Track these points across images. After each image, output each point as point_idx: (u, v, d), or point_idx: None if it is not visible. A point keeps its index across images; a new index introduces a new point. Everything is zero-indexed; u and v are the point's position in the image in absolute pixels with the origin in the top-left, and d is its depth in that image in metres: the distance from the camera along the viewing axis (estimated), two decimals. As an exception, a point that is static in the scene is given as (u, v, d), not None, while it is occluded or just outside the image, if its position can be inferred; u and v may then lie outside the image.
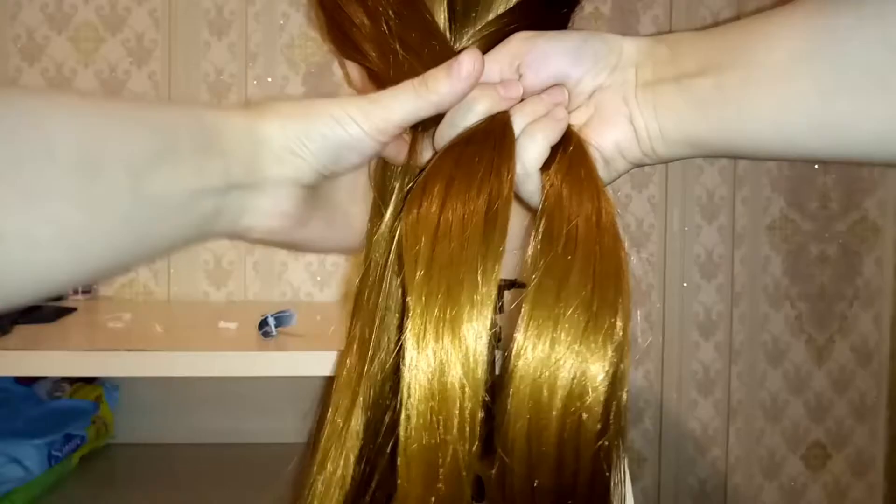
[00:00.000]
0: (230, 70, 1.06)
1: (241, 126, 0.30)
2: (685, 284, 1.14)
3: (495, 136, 0.31)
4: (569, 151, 0.31)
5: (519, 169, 0.31)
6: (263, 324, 0.72)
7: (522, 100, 0.32)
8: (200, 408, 0.88)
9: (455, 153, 0.31)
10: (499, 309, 0.44)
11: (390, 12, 0.33)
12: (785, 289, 1.15)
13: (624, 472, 0.28)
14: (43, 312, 0.82)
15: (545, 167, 0.31)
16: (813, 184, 1.14)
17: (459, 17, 0.34)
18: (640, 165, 0.34)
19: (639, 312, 1.14)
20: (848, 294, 1.16)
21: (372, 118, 0.31)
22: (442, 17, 0.34)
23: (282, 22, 1.07)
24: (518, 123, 0.31)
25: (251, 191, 0.30)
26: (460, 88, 0.30)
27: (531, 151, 0.31)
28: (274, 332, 0.71)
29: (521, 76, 0.33)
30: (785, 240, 1.15)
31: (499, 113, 0.32)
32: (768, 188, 1.14)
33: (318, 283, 1.07)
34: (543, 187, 0.30)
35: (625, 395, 0.27)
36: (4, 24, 1.03)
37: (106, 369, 0.66)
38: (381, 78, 0.34)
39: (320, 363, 0.61)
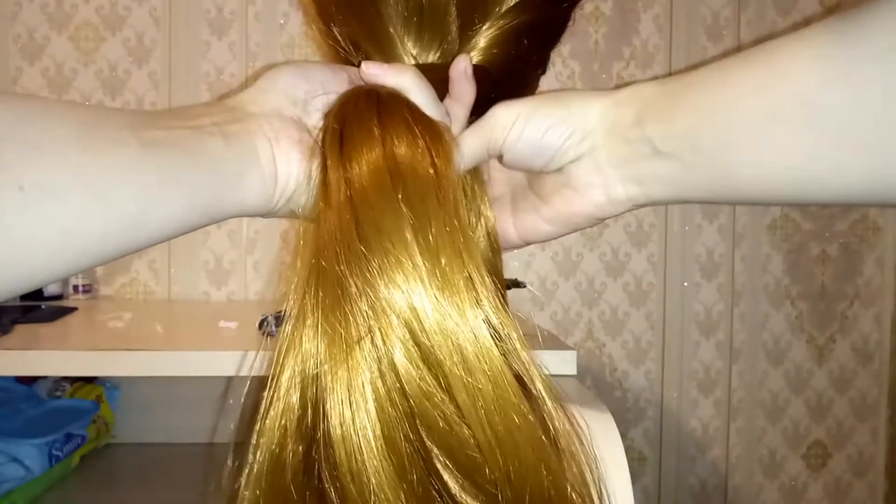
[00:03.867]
0: (230, 70, 1.06)
1: (209, 105, 0.31)
2: (686, 284, 1.14)
3: None
4: None
5: None
6: (264, 323, 0.72)
7: None
8: (201, 407, 0.87)
9: None
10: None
11: (358, 37, 0.36)
12: (785, 288, 1.15)
13: None
14: (43, 312, 0.82)
15: None
16: (813, 183, 1.14)
17: (469, 12, 0.36)
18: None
19: (640, 312, 1.14)
20: (848, 293, 1.16)
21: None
22: (452, 11, 0.35)
23: (282, 21, 1.07)
24: None
25: (246, 123, 0.30)
26: None
27: None
28: (275, 332, 0.71)
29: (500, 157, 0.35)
30: (785, 239, 1.15)
31: None
32: (769, 187, 1.14)
33: (318, 282, 1.07)
34: None
35: None
36: (5, 23, 1.03)
37: (106, 369, 0.66)
38: None
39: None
